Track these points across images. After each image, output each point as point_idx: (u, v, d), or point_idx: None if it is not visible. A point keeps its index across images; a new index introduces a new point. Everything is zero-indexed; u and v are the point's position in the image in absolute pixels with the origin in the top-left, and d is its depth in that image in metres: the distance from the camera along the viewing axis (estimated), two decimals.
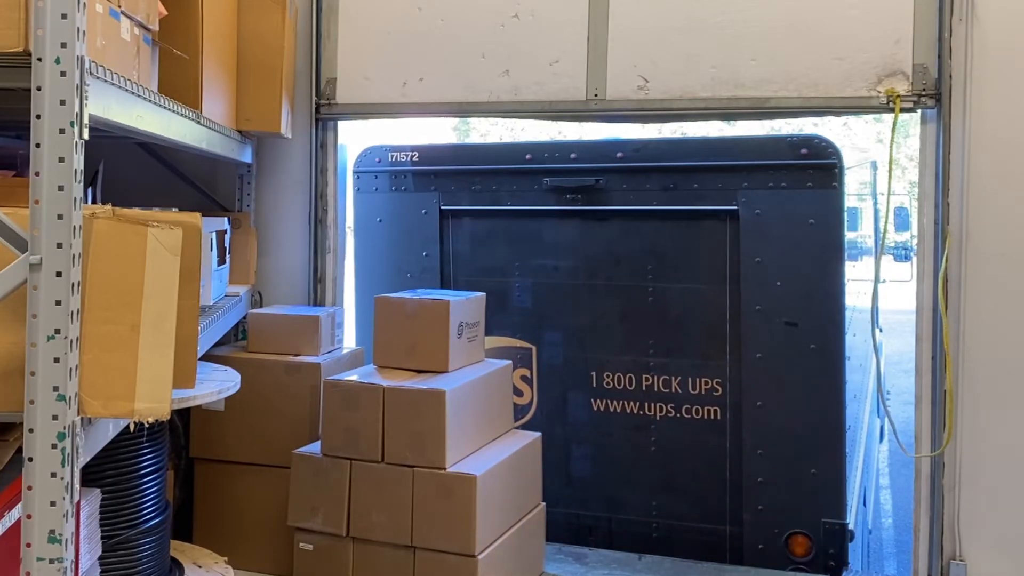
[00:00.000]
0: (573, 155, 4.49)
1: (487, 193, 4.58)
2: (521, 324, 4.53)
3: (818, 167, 4.09)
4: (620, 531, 4.35)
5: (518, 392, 4.43)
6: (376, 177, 4.75)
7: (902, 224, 9.14)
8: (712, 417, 4.23)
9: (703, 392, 4.25)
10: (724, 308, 4.20)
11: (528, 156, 4.55)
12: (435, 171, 4.66)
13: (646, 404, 4.32)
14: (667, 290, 4.32)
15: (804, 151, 4.13)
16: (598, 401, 4.40)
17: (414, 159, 4.68)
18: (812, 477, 4.10)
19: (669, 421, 4.29)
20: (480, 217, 4.63)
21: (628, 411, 4.34)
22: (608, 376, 4.36)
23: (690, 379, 4.27)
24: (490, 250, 4.63)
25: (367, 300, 4.54)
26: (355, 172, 4.83)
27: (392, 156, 4.73)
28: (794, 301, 4.12)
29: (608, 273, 4.41)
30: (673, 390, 4.28)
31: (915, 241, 4.22)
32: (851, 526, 4.19)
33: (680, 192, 4.29)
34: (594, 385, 4.38)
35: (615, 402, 4.36)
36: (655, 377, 4.30)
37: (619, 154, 4.41)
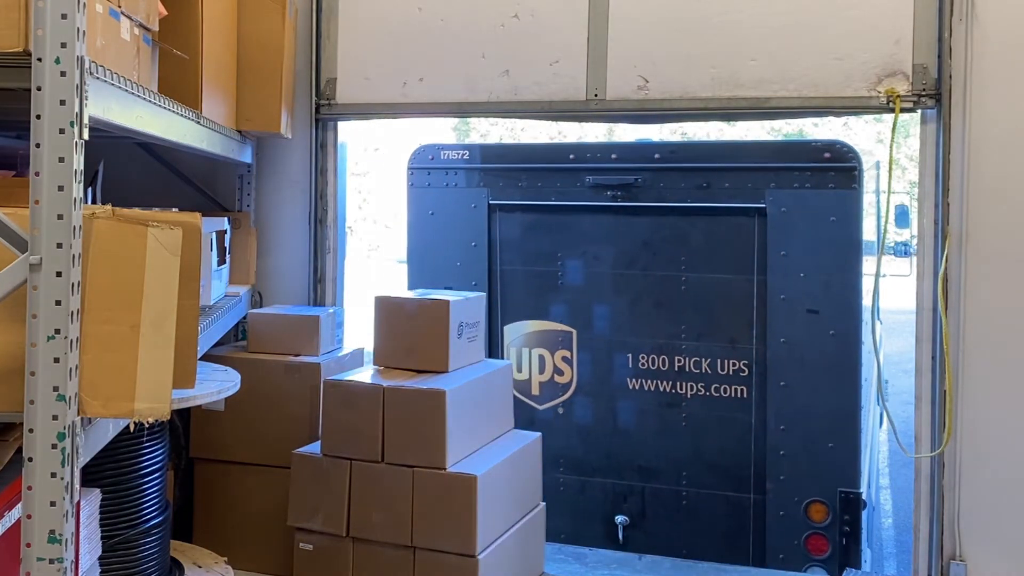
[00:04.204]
0: (613, 155, 4.82)
1: (533, 189, 4.92)
2: (563, 309, 4.87)
3: (839, 169, 4.45)
4: (653, 498, 4.70)
5: (559, 371, 4.80)
6: (429, 173, 5.08)
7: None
8: (739, 395, 4.57)
9: (731, 373, 4.59)
10: (751, 297, 4.55)
11: (571, 156, 4.89)
12: (484, 168, 5.02)
13: (678, 383, 4.66)
14: (699, 280, 4.65)
15: (827, 155, 4.48)
16: (634, 380, 4.73)
17: (464, 157, 5.04)
18: (829, 450, 4.43)
19: (699, 399, 4.64)
20: (526, 211, 4.95)
21: (661, 389, 4.67)
22: (643, 357, 4.70)
23: (719, 361, 4.61)
24: (535, 242, 4.95)
25: (418, 286, 4.98)
26: (409, 168, 5.16)
27: (444, 154, 5.08)
28: (815, 291, 4.46)
29: (644, 263, 4.74)
30: (703, 371, 4.62)
31: (915, 240, 4.35)
32: (864, 496, 4.52)
33: (712, 190, 4.63)
34: (630, 365, 4.72)
35: (649, 381, 4.70)
36: (687, 359, 4.64)
37: (656, 155, 4.76)
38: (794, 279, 4.48)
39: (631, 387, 4.71)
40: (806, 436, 4.47)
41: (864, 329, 4.51)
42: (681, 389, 4.64)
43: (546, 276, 4.87)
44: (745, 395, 4.54)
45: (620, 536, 4.65)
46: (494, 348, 4.88)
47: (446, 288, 4.74)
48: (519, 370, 4.86)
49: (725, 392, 4.58)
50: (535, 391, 4.85)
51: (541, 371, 4.84)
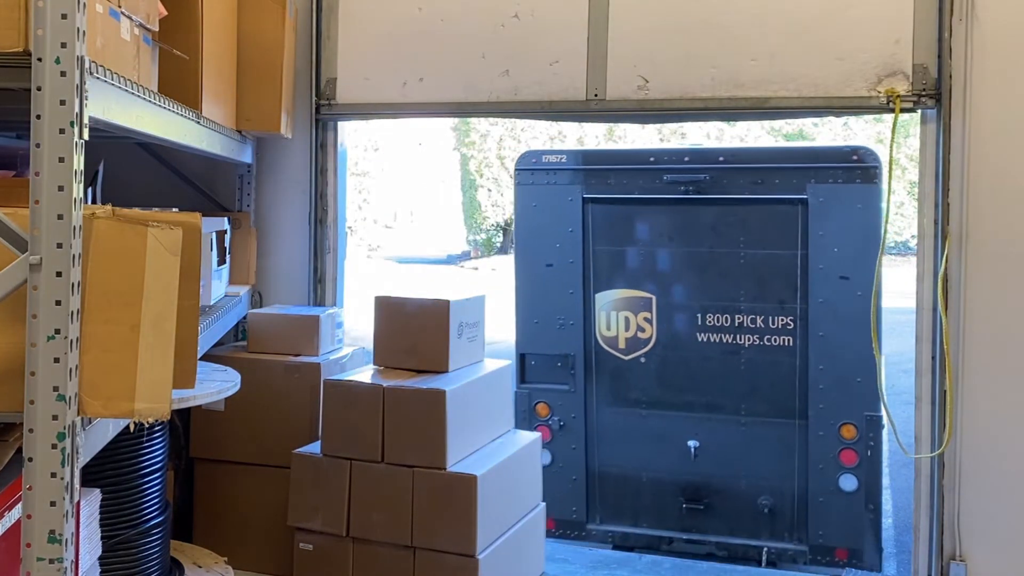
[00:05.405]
0: (686, 158, 5.92)
1: (619, 185, 5.99)
2: (644, 280, 6.03)
3: (864, 168, 5.59)
4: (718, 425, 5.86)
5: (641, 329, 5.96)
6: (532, 174, 6.17)
7: None
8: (786, 344, 5.73)
9: (780, 326, 5.75)
10: (795, 267, 5.68)
11: (651, 159, 5.99)
12: (578, 169, 6.08)
13: (738, 336, 5.82)
14: (754, 255, 5.79)
15: (854, 157, 5.61)
16: (702, 334, 5.86)
17: (562, 160, 6.10)
18: (857, 384, 5.59)
19: (755, 348, 5.80)
20: (614, 203, 6.00)
21: (724, 341, 5.83)
22: (710, 316, 5.85)
23: (770, 317, 5.76)
24: (621, 227, 6.03)
25: (527, 265, 6.10)
26: (516, 170, 6.29)
27: (545, 158, 6.15)
28: (846, 261, 5.57)
29: (710, 243, 5.85)
30: (758, 325, 5.79)
31: (914, 240, 4.47)
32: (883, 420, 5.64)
33: (765, 185, 5.74)
34: (699, 323, 5.87)
35: (715, 335, 5.85)
36: (745, 316, 5.80)
37: (720, 158, 5.86)
38: (829, 253, 5.58)
39: (700, 340, 5.87)
40: (839, 374, 5.60)
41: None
42: (740, 340, 5.79)
43: (630, 254, 6.01)
44: (791, 343, 5.71)
45: (692, 455, 5.79)
46: (588, 312, 5.96)
47: (547, 265, 5.98)
48: (608, 329, 5.97)
49: (775, 342, 5.74)
50: (621, 345, 5.94)
51: (627, 329, 5.96)
